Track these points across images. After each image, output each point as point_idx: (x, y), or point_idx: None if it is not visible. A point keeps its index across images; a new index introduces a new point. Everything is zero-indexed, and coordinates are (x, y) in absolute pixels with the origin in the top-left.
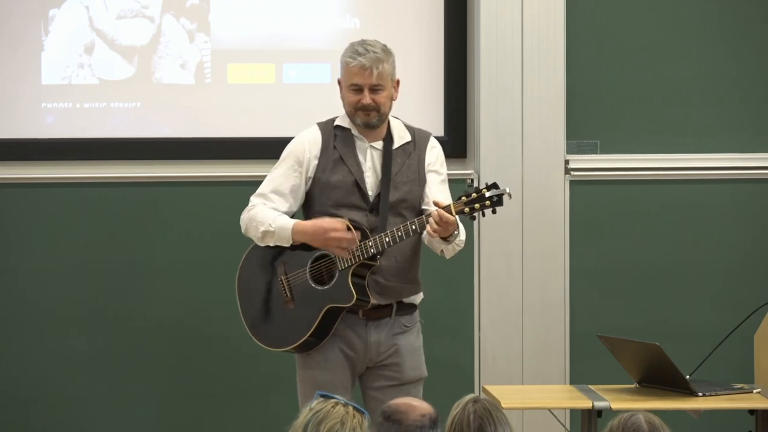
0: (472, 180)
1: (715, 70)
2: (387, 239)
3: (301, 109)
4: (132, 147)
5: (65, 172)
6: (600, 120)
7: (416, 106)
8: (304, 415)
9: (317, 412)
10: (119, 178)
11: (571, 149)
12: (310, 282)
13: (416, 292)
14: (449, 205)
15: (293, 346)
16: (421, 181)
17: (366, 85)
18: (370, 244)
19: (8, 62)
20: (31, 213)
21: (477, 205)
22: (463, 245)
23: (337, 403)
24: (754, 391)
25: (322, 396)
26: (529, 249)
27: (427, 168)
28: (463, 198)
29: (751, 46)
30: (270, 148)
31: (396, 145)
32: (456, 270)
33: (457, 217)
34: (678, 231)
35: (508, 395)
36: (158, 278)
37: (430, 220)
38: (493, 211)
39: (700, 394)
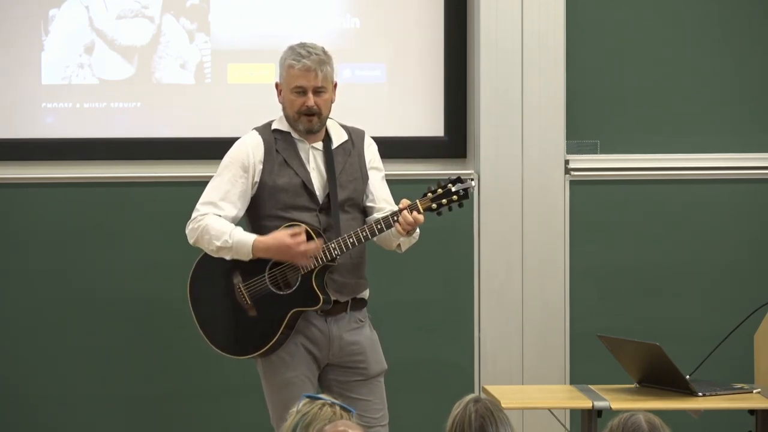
0: (472, 180)
1: (715, 70)
2: (351, 240)
3: None
4: (132, 147)
5: (65, 172)
6: (600, 120)
7: (416, 106)
8: (292, 418)
9: (305, 414)
10: (119, 178)
11: (571, 149)
12: (271, 288)
13: (366, 287)
14: (416, 203)
15: (260, 351)
16: (364, 178)
17: (310, 87)
18: (333, 246)
19: (8, 62)
20: (31, 213)
21: (444, 201)
22: (418, 237)
23: (324, 404)
24: (754, 391)
25: (308, 398)
26: (529, 249)
27: (368, 165)
28: (429, 194)
29: (751, 46)
30: None
31: (335, 144)
32: (456, 270)
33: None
34: (678, 231)
35: (508, 395)
36: (159, 278)
37: (400, 219)
38: (460, 205)
39: (700, 394)
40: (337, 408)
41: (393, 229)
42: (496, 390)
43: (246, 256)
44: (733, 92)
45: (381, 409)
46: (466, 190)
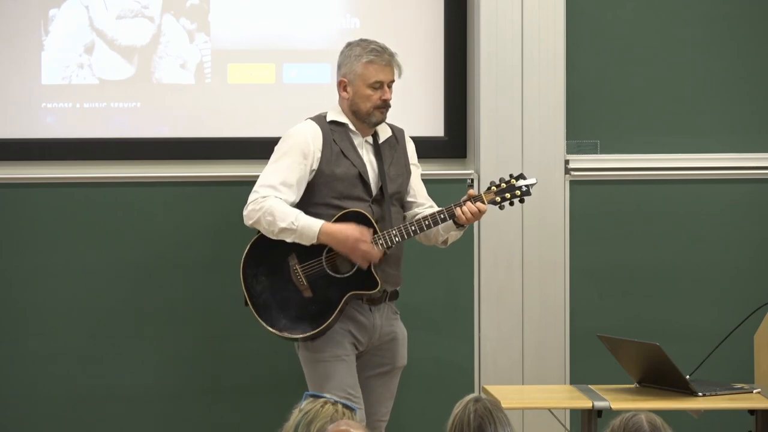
0: (472, 180)
1: (714, 69)
2: (413, 228)
3: (301, 109)
4: (132, 147)
5: (65, 172)
6: (600, 120)
7: (416, 106)
8: (294, 416)
9: (307, 412)
10: (119, 178)
11: (571, 149)
12: (328, 270)
13: (402, 281)
14: (481, 195)
15: (313, 332)
16: (408, 174)
17: (387, 81)
18: (395, 233)
19: (8, 62)
20: (31, 213)
21: (508, 195)
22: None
23: (326, 402)
24: (754, 391)
25: (311, 396)
26: (529, 249)
27: (410, 161)
28: (493, 188)
29: (750, 46)
30: (270, 149)
31: (381, 139)
32: (456, 270)
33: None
34: (678, 231)
35: (508, 395)
36: (158, 277)
37: (465, 210)
38: (521, 201)
39: (700, 394)
40: (339, 406)
41: (446, 222)
42: (496, 390)
43: (310, 240)
44: (733, 92)
45: (388, 405)
46: (528, 186)
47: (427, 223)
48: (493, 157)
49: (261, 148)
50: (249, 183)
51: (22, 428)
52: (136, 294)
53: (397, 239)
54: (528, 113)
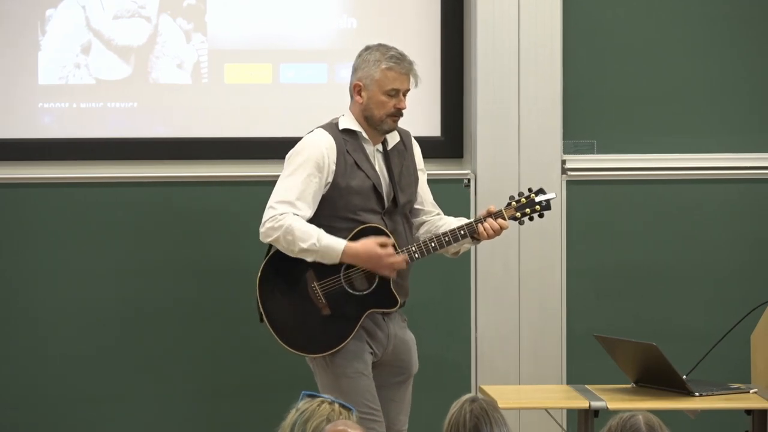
0: (469, 180)
1: (712, 69)
2: (433, 245)
3: (298, 109)
4: (128, 147)
5: (62, 172)
6: (597, 120)
7: (413, 106)
8: (291, 415)
9: (303, 411)
10: (116, 178)
11: (567, 149)
12: (346, 288)
13: None
14: (501, 211)
15: (333, 350)
16: (416, 181)
17: (403, 89)
18: (414, 249)
19: (5, 62)
20: (28, 213)
21: (528, 210)
22: None
23: (323, 401)
24: (751, 391)
25: (308, 395)
26: (525, 249)
27: (417, 167)
28: (513, 204)
29: (749, 46)
30: (267, 149)
31: (390, 145)
32: (453, 270)
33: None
34: (675, 231)
35: (505, 395)
36: (155, 277)
37: (486, 226)
38: (541, 216)
39: (697, 394)
40: (336, 406)
41: (465, 238)
42: (492, 390)
43: (332, 260)
44: (732, 92)
45: (407, 412)
46: (548, 201)
47: (447, 239)
48: (489, 157)
49: (258, 148)
50: (246, 183)
51: (21, 429)
52: (133, 294)
53: (417, 255)
54: (525, 113)
